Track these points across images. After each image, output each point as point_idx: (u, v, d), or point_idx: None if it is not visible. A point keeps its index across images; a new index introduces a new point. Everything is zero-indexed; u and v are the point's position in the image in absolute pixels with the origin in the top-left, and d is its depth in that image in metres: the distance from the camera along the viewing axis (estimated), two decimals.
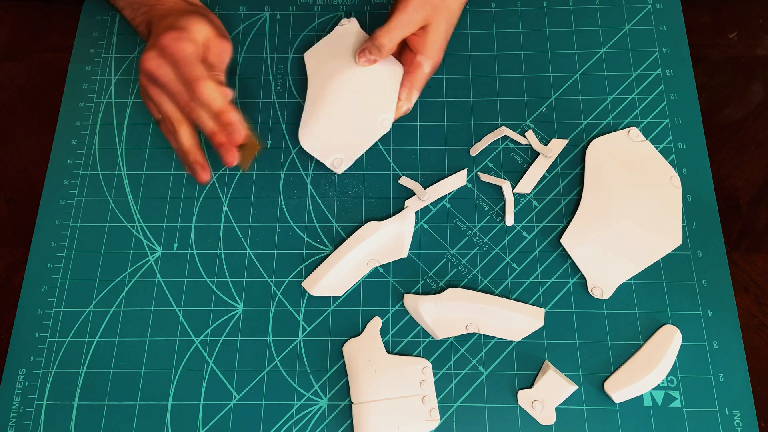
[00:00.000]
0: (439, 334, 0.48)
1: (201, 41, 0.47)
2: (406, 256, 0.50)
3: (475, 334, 0.48)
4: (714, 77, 0.56)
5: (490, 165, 0.54)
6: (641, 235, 0.49)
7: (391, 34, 0.49)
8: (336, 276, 0.50)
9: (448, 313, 0.48)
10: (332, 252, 0.50)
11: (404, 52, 0.52)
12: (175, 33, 0.46)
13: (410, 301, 0.49)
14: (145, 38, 0.52)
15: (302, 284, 0.50)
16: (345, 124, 0.52)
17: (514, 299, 0.49)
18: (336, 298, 0.50)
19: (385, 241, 0.50)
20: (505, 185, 0.52)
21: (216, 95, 0.45)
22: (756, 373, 0.47)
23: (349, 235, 0.52)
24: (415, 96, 0.52)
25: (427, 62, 0.51)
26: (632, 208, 0.49)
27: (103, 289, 0.51)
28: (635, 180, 0.51)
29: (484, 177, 0.53)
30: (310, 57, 0.55)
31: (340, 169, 0.52)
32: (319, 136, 0.52)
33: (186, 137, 0.48)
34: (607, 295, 0.48)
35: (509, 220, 0.51)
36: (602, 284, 0.48)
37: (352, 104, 0.51)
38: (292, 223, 0.52)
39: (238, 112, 0.46)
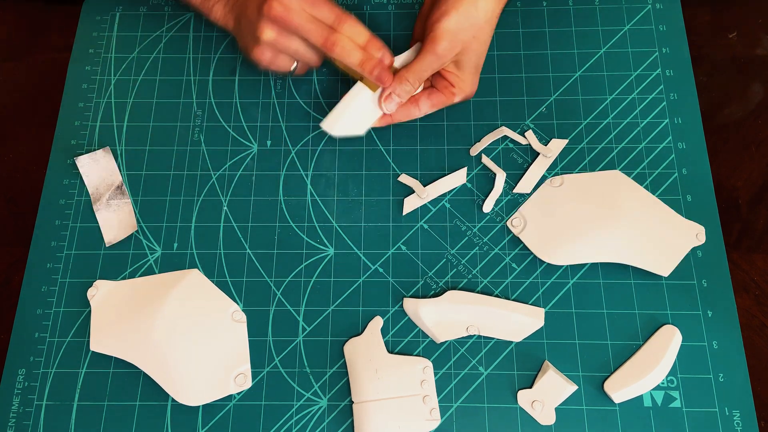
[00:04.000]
0: (440, 337, 0.48)
1: None
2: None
3: (475, 334, 0.48)
4: (714, 77, 0.56)
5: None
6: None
7: (420, 75, 0.48)
8: (356, 113, 0.50)
9: (448, 315, 0.48)
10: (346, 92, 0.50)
11: (437, 79, 0.51)
12: None
13: (410, 304, 0.49)
14: (220, 20, 0.52)
15: (321, 125, 0.50)
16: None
17: (514, 299, 0.49)
18: (336, 298, 0.50)
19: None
20: (500, 174, 0.52)
21: (361, 27, 0.47)
22: (756, 373, 0.47)
23: (348, 235, 0.52)
24: (430, 112, 0.52)
25: (460, 94, 0.51)
26: None
27: None
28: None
29: (486, 160, 0.53)
30: None
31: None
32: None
33: (353, 51, 0.47)
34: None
35: (487, 206, 0.51)
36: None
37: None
38: (292, 223, 0.52)
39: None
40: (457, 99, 0.51)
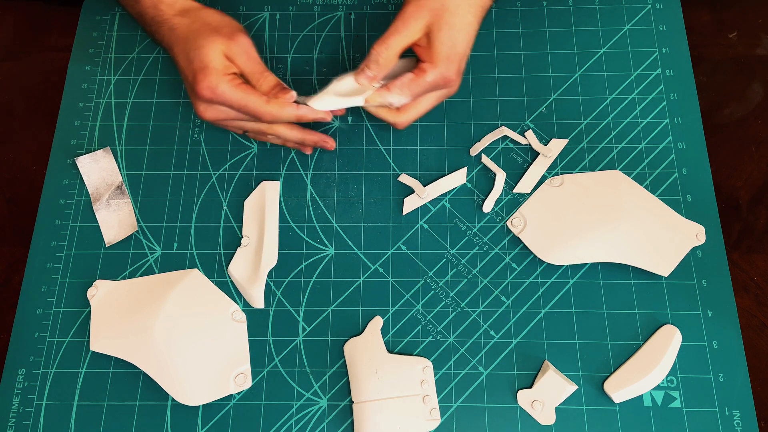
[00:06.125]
0: None
1: (223, 63, 0.46)
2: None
3: (475, 333, 0.48)
4: (714, 77, 0.56)
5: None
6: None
7: (388, 43, 0.46)
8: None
9: None
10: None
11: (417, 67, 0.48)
12: (203, 81, 0.45)
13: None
14: (164, 44, 0.50)
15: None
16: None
17: (514, 299, 0.49)
18: (336, 298, 0.50)
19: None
20: (500, 174, 0.52)
21: (282, 112, 0.46)
22: (756, 373, 0.47)
23: (348, 235, 0.52)
24: (403, 98, 0.47)
25: (432, 71, 0.46)
26: None
27: None
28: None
29: (485, 160, 0.53)
30: None
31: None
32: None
33: (289, 133, 0.50)
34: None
35: (487, 206, 0.51)
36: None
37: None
38: (292, 223, 0.52)
39: (310, 108, 0.47)
40: (429, 78, 0.46)
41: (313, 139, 0.51)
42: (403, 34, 0.46)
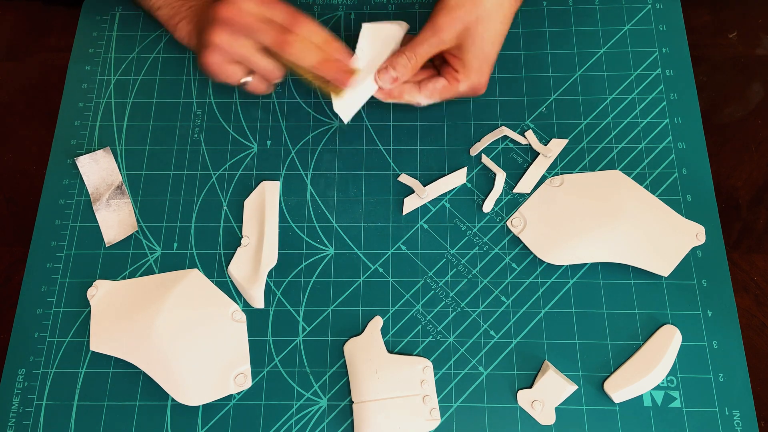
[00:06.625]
0: None
1: None
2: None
3: (475, 333, 0.48)
4: (714, 77, 0.56)
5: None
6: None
7: (417, 50, 0.46)
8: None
9: None
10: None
11: (444, 67, 0.50)
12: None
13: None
14: (185, 37, 0.50)
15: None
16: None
17: (514, 299, 0.49)
18: (336, 298, 0.50)
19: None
20: (500, 174, 0.52)
21: (318, 27, 0.45)
22: (756, 373, 0.47)
23: (348, 235, 0.52)
24: (434, 101, 0.50)
25: (465, 82, 0.48)
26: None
27: None
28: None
29: (485, 160, 0.53)
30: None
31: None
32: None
33: (309, 52, 0.45)
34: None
35: (487, 206, 0.51)
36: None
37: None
38: (292, 223, 0.52)
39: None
40: (461, 88, 0.49)
41: (332, 70, 0.46)
42: (433, 44, 0.46)
